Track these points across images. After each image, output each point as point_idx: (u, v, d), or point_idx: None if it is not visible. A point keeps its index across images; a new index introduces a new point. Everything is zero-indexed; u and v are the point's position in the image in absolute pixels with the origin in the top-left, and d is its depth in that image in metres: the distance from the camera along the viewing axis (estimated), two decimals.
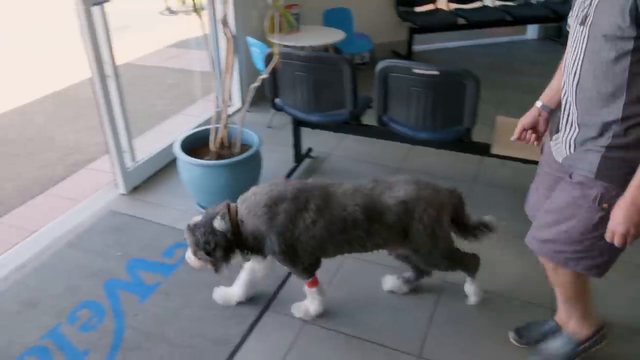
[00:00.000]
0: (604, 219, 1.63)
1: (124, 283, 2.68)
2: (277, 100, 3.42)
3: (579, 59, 1.60)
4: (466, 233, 2.37)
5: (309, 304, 2.43)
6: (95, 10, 2.92)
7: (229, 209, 2.17)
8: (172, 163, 3.65)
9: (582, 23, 1.56)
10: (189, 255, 2.25)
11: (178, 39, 7.01)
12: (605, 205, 1.64)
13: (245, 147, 3.14)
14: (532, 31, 6.98)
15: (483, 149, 3.15)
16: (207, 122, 4.03)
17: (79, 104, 5.08)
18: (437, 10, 6.21)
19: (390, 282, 2.59)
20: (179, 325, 2.42)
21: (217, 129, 3.07)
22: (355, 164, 3.77)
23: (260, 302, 2.55)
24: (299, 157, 3.67)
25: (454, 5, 6.29)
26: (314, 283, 2.37)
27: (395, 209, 2.14)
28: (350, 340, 2.34)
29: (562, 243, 1.76)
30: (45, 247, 2.97)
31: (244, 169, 3.02)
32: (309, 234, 2.13)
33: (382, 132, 3.33)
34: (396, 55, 5.97)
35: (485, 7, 6.45)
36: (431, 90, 2.92)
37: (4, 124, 4.70)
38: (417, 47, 6.08)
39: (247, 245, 2.21)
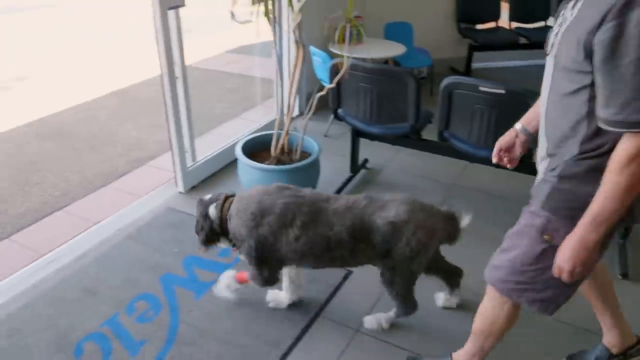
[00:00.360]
0: (546, 252, 1.60)
1: (180, 279, 2.75)
2: (340, 110, 3.45)
3: (547, 90, 1.58)
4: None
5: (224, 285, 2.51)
6: (170, 13, 3.02)
7: (224, 202, 2.29)
8: (230, 165, 3.74)
9: (549, 54, 1.53)
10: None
11: (238, 45, 7.15)
12: (546, 237, 1.61)
13: (304, 154, 3.18)
14: None
15: None
16: (266, 127, 4.11)
17: (140, 103, 5.25)
18: (498, 28, 6.14)
19: (442, 298, 2.57)
20: (232, 324, 2.46)
21: (279, 135, 3.11)
22: (410, 177, 3.76)
23: (312, 308, 2.56)
24: (355, 167, 3.69)
25: (515, 24, 6.21)
26: (245, 281, 2.44)
27: (383, 229, 2.11)
28: (401, 352, 2.33)
29: (507, 272, 1.72)
30: (106, 238, 3.08)
31: (303, 175, 3.06)
32: (290, 248, 2.17)
33: (440, 147, 3.31)
34: (454, 71, 5.93)
35: (547, 27, 6.33)
36: (495, 109, 2.89)
37: (71, 118, 4.89)
38: (475, 65, 6.03)
39: (229, 238, 2.32)
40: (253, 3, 3.60)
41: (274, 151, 3.10)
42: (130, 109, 5.10)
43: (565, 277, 1.54)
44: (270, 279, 2.33)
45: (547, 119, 1.60)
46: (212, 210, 2.27)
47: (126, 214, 3.30)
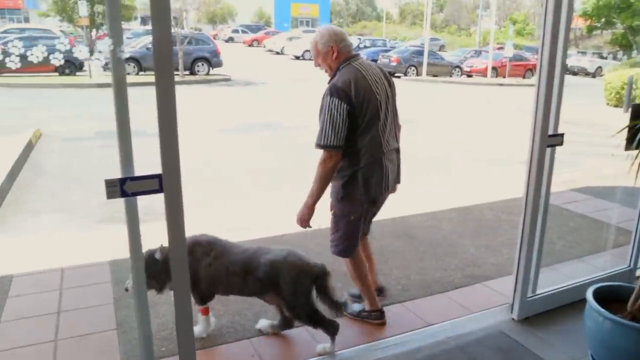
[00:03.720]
0: (333, 219, 3.27)
1: None
2: None
3: None
4: (329, 305, 3.09)
5: (196, 327, 3.21)
6: (547, 150, 3.23)
7: (163, 247, 2.92)
8: (570, 306, 3.65)
9: None
10: (130, 286, 2.90)
11: (584, 185, 7.01)
12: (332, 211, 3.27)
13: None
14: None
15: None
16: (613, 277, 3.89)
17: (481, 223, 5.52)
18: None
19: (262, 323, 3.37)
20: None
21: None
22: None
23: None
24: None
25: None
26: (205, 312, 3.24)
27: (264, 267, 3.00)
28: None
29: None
30: (438, 341, 3.31)
31: None
32: (207, 272, 3.04)
33: None
34: None
35: None
36: None
37: (418, 223, 5.46)
38: None
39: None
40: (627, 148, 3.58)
41: (631, 306, 2.92)
42: (471, 226, 5.41)
43: (298, 220, 3.15)
44: (204, 298, 3.17)
45: None
46: (158, 255, 2.95)
47: (458, 325, 3.50)
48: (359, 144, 3.04)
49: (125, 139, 2.02)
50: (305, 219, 3.13)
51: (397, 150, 3.32)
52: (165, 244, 3.06)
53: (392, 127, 3.21)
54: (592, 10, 29.30)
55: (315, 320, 3.09)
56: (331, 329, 3.11)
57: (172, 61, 1.91)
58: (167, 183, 2.08)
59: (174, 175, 2.07)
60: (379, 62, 26.26)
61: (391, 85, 3.23)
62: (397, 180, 3.40)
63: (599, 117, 13.10)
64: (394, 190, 3.39)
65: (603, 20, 31.19)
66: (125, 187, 2.05)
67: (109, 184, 2.03)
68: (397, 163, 3.33)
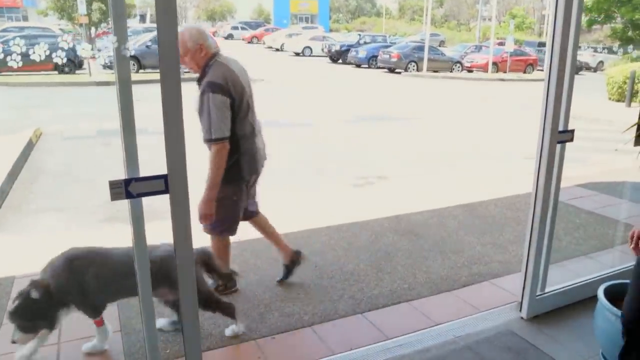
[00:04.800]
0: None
1: None
2: None
3: None
4: (221, 279, 3.46)
5: (95, 341, 3.09)
6: (558, 147, 3.18)
7: (36, 282, 2.83)
8: (580, 304, 3.61)
9: None
10: (19, 337, 2.81)
11: (588, 180, 6.96)
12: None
13: None
14: None
15: None
16: (623, 274, 3.84)
17: (486, 220, 5.47)
18: None
19: (161, 322, 3.28)
20: None
21: None
22: None
23: None
24: None
25: None
26: (99, 323, 3.06)
27: (153, 264, 2.62)
28: None
29: None
30: (446, 341, 3.27)
31: None
32: (97, 282, 2.89)
33: None
34: None
35: None
36: None
37: (423, 220, 5.41)
38: None
39: (61, 300, 2.88)
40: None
41: None
42: (476, 223, 5.36)
43: (201, 218, 3.28)
44: (97, 308, 3.01)
45: None
46: (34, 293, 2.75)
47: (466, 324, 3.45)
48: (238, 132, 3.33)
49: (130, 138, 1.97)
50: (211, 212, 3.29)
51: (261, 132, 3.65)
52: (36, 277, 2.95)
53: (254, 111, 3.53)
54: (592, 5, 29.14)
55: (211, 304, 3.20)
56: (229, 311, 3.26)
57: (178, 59, 1.86)
58: (173, 184, 2.03)
59: (181, 175, 2.03)
60: (379, 58, 26.13)
61: (247, 74, 3.53)
62: (265, 157, 3.72)
63: (601, 112, 13.04)
64: (262, 166, 3.68)
65: (603, 14, 31.02)
66: (130, 188, 2.00)
67: (113, 185, 1.98)
68: (263, 142, 3.68)
